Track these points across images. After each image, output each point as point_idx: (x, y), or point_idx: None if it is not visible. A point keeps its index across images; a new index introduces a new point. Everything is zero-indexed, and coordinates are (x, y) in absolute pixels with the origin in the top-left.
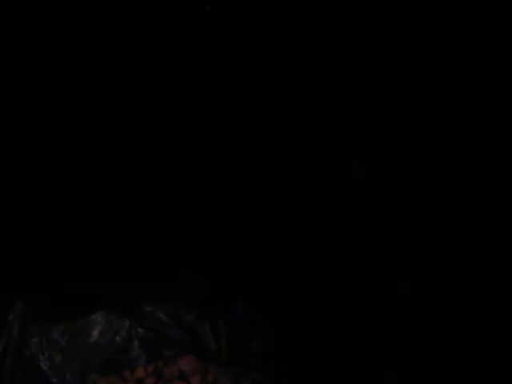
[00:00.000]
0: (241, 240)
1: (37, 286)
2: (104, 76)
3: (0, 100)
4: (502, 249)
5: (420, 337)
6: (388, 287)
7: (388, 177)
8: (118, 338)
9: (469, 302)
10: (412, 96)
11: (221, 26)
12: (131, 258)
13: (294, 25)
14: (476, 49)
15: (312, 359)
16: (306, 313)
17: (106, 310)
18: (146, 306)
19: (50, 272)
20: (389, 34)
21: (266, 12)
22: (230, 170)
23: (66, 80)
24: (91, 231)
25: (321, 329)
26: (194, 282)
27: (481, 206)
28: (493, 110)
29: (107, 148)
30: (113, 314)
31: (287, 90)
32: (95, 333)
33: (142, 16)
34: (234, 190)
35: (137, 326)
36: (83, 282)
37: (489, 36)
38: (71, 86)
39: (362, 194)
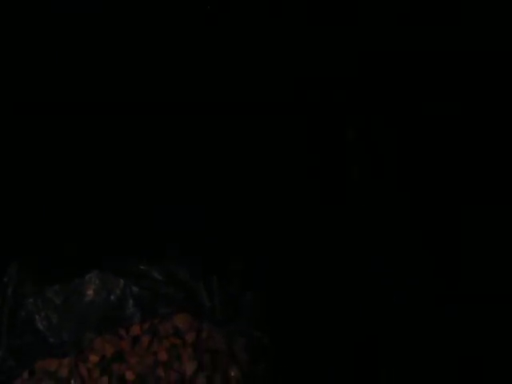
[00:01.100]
0: (241, 240)
1: (31, 247)
2: (104, 76)
3: (0, 100)
4: (502, 248)
5: (417, 334)
6: (385, 284)
7: (388, 177)
8: (112, 297)
9: (467, 300)
10: (412, 96)
11: (221, 26)
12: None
13: (294, 25)
14: (476, 49)
15: (308, 356)
16: (302, 310)
17: (100, 270)
18: (140, 265)
19: (45, 234)
20: (389, 33)
21: (265, 12)
22: (229, 170)
23: (66, 80)
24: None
25: (317, 326)
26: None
27: (481, 206)
28: (493, 111)
29: (107, 148)
30: (107, 273)
31: (287, 89)
32: (90, 292)
33: (142, 16)
34: (233, 190)
35: (131, 284)
36: (78, 243)
37: (489, 36)
38: (71, 85)
39: (361, 194)
